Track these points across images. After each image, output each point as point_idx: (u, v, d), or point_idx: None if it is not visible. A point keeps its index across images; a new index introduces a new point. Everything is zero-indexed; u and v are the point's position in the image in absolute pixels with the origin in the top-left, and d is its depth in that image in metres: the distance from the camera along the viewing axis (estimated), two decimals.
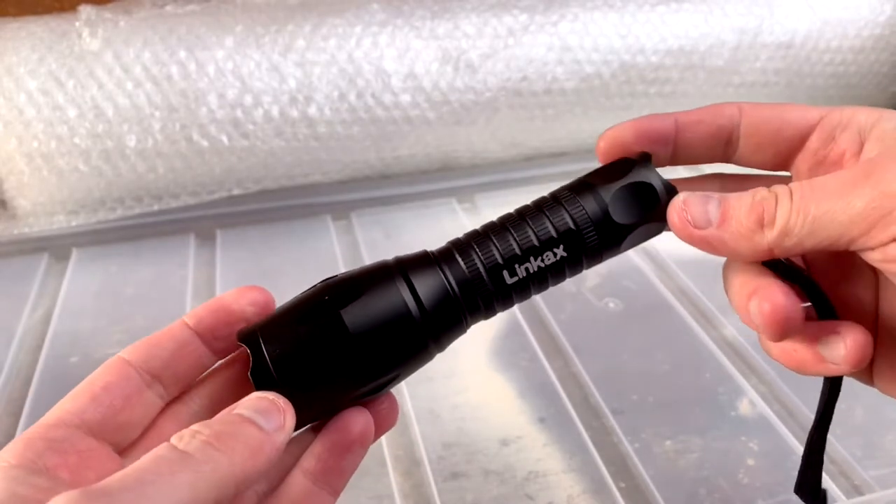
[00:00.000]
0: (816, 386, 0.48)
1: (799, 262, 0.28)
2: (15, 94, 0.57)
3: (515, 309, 0.55)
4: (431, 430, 0.46)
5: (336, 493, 0.27)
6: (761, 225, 0.24)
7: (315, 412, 0.27)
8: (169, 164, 0.61)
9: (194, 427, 0.22)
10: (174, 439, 0.21)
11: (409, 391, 0.48)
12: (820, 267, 0.28)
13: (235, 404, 0.24)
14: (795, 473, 0.43)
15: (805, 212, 0.23)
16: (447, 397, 0.48)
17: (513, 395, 0.49)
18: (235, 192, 0.64)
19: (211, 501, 0.21)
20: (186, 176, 0.62)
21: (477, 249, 0.27)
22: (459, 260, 0.27)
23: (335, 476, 0.27)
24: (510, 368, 0.51)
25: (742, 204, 0.25)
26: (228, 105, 0.60)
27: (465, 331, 0.28)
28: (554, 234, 0.27)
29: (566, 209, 0.27)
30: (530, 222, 0.27)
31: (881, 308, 0.27)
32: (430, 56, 0.64)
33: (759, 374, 0.50)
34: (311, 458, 0.27)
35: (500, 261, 0.27)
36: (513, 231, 0.27)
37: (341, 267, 0.60)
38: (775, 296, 0.24)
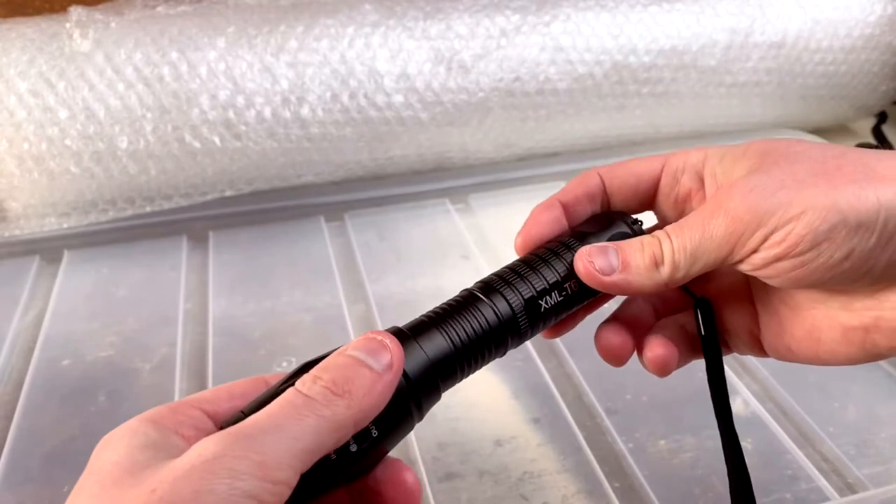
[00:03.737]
0: (810, 384, 0.49)
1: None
2: (5, 95, 0.57)
3: None
4: (425, 430, 0.46)
5: None
6: (656, 265, 0.30)
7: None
8: (161, 165, 0.61)
9: (314, 372, 0.25)
10: (299, 384, 0.24)
11: None
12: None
13: (348, 345, 0.26)
14: (790, 472, 0.43)
15: (683, 249, 0.29)
16: (441, 398, 0.48)
17: (507, 395, 0.49)
18: (228, 193, 0.64)
19: (332, 441, 0.24)
20: (178, 177, 0.62)
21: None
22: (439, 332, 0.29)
23: None
24: (504, 369, 0.51)
25: (635, 250, 0.30)
26: (220, 106, 0.60)
27: (439, 397, 0.29)
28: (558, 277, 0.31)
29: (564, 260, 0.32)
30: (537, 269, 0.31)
31: (756, 301, 0.34)
32: (423, 57, 0.64)
33: (752, 373, 0.50)
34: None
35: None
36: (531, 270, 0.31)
37: (334, 268, 0.60)
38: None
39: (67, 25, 0.60)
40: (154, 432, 0.24)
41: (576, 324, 0.34)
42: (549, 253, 0.32)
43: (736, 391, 0.48)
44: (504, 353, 0.31)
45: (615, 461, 0.44)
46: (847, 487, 0.43)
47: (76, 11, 0.60)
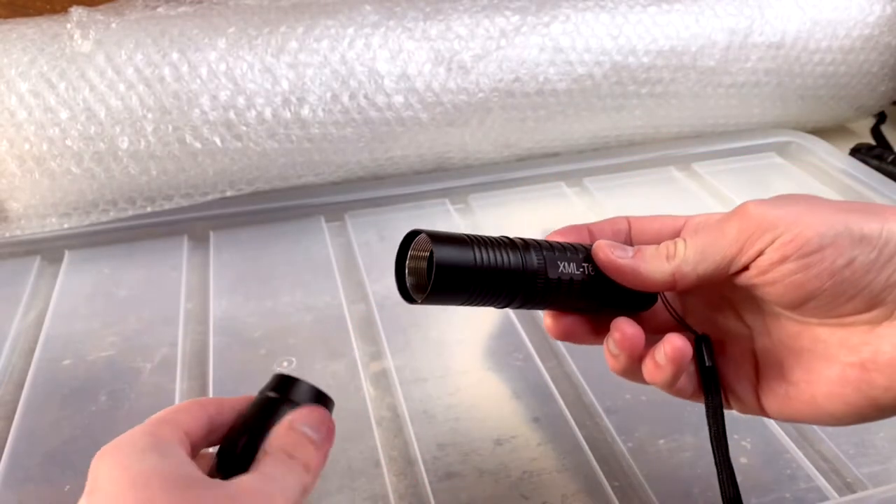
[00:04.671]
0: None
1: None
2: (6, 96, 0.57)
3: (509, 309, 0.55)
4: (425, 430, 0.46)
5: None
6: (666, 257, 0.32)
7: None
8: (161, 165, 0.61)
9: (283, 448, 0.30)
10: (283, 454, 0.29)
11: (402, 392, 0.48)
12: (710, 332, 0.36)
13: (295, 418, 0.31)
14: (789, 471, 0.43)
15: (695, 246, 0.32)
16: (441, 398, 0.48)
17: (507, 394, 0.49)
18: (228, 193, 0.64)
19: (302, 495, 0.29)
20: (179, 178, 0.62)
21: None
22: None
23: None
24: (504, 368, 0.51)
25: (651, 247, 0.33)
26: (221, 107, 0.60)
27: None
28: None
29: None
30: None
31: (756, 347, 0.35)
32: (423, 57, 0.64)
33: None
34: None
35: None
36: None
37: (335, 268, 0.60)
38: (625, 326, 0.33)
39: (68, 26, 0.60)
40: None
41: (585, 340, 0.36)
42: (574, 244, 0.34)
43: None
44: (509, 304, 0.32)
45: (615, 460, 0.44)
46: (846, 487, 0.43)
47: (77, 12, 0.61)
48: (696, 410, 0.47)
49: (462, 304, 0.31)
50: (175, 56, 0.60)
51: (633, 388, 0.49)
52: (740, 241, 0.30)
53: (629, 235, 0.36)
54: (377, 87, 0.63)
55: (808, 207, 0.30)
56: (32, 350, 0.52)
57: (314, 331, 0.54)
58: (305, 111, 0.62)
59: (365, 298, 0.57)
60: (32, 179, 0.59)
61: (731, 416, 0.47)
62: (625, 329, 0.33)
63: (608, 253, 0.33)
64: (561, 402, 0.48)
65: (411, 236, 0.32)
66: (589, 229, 0.36)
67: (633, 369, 0.34)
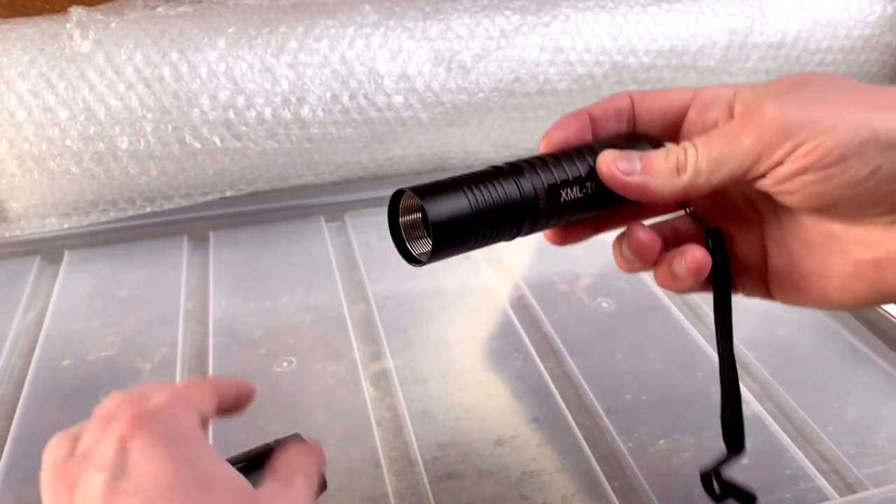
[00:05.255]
0: (810, 384, 0.49)
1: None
2: (5, 95, 0.57)
3: (508, 309, 0.55)
4: (425, 430, 0.46)
5: None
6: (678, 170, 0.30)
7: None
8: (161, 166, 0.61)
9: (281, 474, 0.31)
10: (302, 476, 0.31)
11: (402, 392, 0.48)
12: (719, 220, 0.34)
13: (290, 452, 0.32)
14: (789, 471, 0.43)
15: (709, 155, 0.29)
16: (441, 398, 0.48)
17: (507, 395, 0.49)
18: (228, 193, 0.64)
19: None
20: (179, 178, 0.62)
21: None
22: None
23: None
24: (504, 369, 0.51)
25: (660, 155, 0.31)
26: (221, 107, 0.60)
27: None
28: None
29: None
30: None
31: (766, 235, 0.33)
32: (423, 57, 0.64)
33: (752, 373, 0.50)
34: None
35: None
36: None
37: (335, 268, 0.60)
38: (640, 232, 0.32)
39: (68, 26, 0.60)
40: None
41: (584, 236, 0.35)
42: (574, 151, 0.32)
43: None
44: (516, 236, 0.31)
45: (615, 461, 0.44)
46: (846, 487, 0.43)
47: (76, 12, 0.60)
48: (697, 410, 0.47)
49: (468, 251, 0.30)
50: (175, 56, 0.60)
51: (633, 388, 0.49)
52: (757, 151, 0.28)
53: (632, 114, 0.34)
54: (377, 87, 0.63)
55: (831, 104, 0.28)
56: (32, 350, 0.52)
57: (314, 331, 0.54)
58: (305, 111, 0.62)
59: (365, 298, 0.57)
60: (32, 179, 0.59)
61: None
62: (641, 237, 0.32)
63: (613, 171, 0.31)
64: (561, 402, 0.48)
65: (398, 195, 0.30)
66: (590, 114, 0.33)
67: (644, 270, 0.33)
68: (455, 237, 0.29)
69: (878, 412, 0.47)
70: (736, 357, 0.51)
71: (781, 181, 0.28)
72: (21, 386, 0.49)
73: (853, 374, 0.50)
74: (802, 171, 0.28)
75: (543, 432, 0.46)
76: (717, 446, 0.45)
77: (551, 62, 0.67)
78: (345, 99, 0.63)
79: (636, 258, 0.32)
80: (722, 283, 0.32)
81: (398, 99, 0.64)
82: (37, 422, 0.47)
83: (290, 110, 0.62)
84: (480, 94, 0.66)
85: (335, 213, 0.67)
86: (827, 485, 0.42)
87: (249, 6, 0.64)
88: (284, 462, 0.31)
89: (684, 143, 0.30)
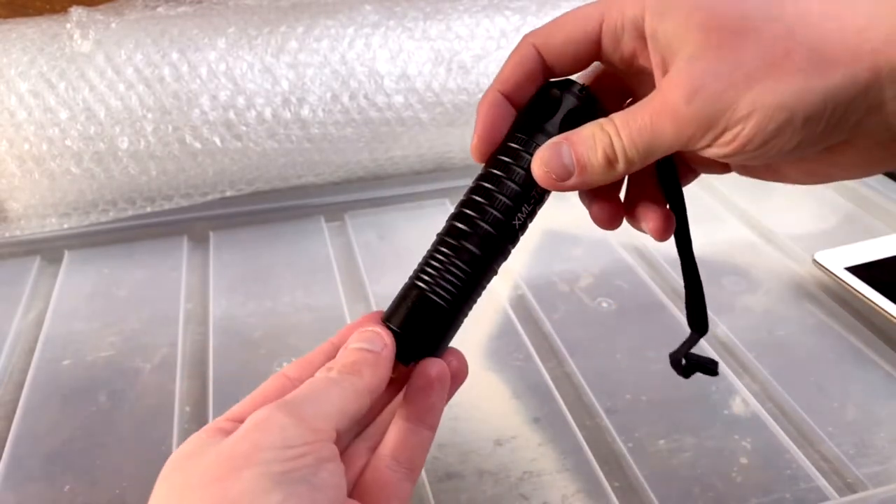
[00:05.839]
0: (810, 384, 0.49)
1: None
2: (6, 96, 0.57)
3: (509, 309, 0.55)
4: None
5: (431, 429, 0.32)
6: (610, 163, 0.30)
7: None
8: (161, 166, 0.61)
9: (329, 364, 0.31)
10: (322, 371, 0.30)
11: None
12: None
13: (349, 341, 0.31)
14: (789, 472, 0.43)
15: (634, 145, 0.29)
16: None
17: (507, 395, 0.49)
18: (228, 193, 0.64)
19: (357, 406, 0.29)
20: (179, 178, 0.62)
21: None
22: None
23: (426, 413, 0.32)
24: (504, 369, 0.51)
25: (588, 149, 0.30)
26: (221, 107, 0.60)
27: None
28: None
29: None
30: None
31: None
32: (423, 57, 0.64)
33: (752, 373, 0.50)
34: (404, 402, 0.32)
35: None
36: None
37: (335, 268, 0.60)
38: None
39: (68, 26, 0.60)
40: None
41: (613, 208, 0.35)
42: (505, 167, 0.32)
43: (735, 391, 0.48)
44: (501, 265, 0.33)
45: (615, 461, 0.44)
46: (846, 487, 0.43)
47: (77, 12, 0.61)
48: (697, 410, 0.47)
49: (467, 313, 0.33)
50: (175, 56, 0.60)
51: (633, 388, 0.49)
52: (680, 142, 0.29)
53: (544, 66, 0.32)
54: (377, 87, 0.63)
55: (741, 77, 0.27)
56: (32, 350, 0.52)
57: (314, 331, 0.54)
58: (305, 111, 0.62)
59: (365, 299, 0.57)
60: (32, 179, 0.59)
61: (731, 416, 0.47)
62: (595, 215, 0.34)
63: (550, 179, 0.31)
64: (561, 402, 0.48)
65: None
66: (503, 94, 0.33)
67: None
68: (445, 331, 0.33)
69: (878, 412, 0.47)
70: (735, 356, 0.52)
71: (714, 157, 0.29)
72: (21, 386, 0.49)
73: (853, 374, 0.50)
74: (729, 155, 0.28)
75: (543, 432, 0.46)
76: (716, 446, 0.45)
77: None
78: (345, 99, 0.63)
79: (602, 226, 0.35)
80: (680, 214, 0.34)
81: (398, 99, 0.64)
82: (37, 422, 0.47)
83: (290, 110, 0.62)
84: (480, 94, 0.66)
85: (335, 213, 0.67)
86: (827, 485, 0.42)
87: (249, 6, 0.64)
88: (344, 357, 0.31)
89: (607, 127, 0.30)
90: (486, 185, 0.32)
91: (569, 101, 0.32)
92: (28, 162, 0.59)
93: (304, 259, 0.62)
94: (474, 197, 0.32)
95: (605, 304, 0.57)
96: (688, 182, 0.36)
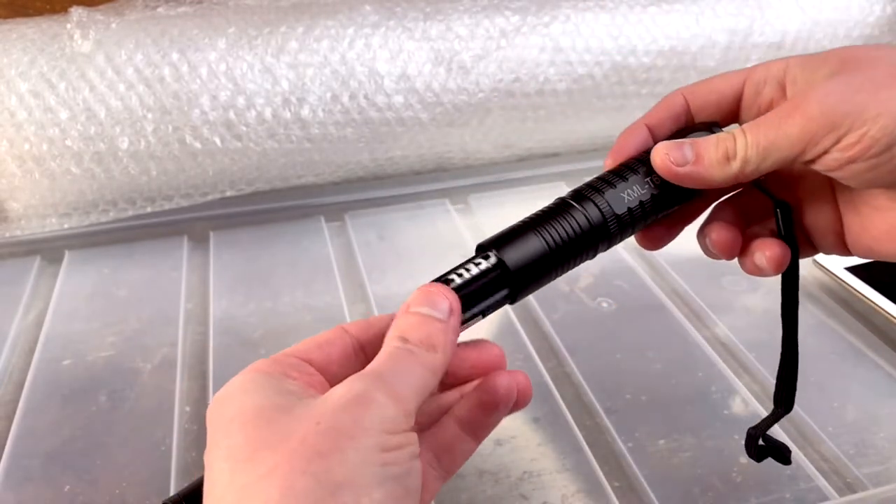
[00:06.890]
0: (810, 384, 0.49)
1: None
2: (6, 96, 0.57)
3: (509, 309, 0.55)
4: None
5: (478, 441, 0.32)
6: (727, 158, 0.31)
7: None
8: (161, 166, 0.61)
9: (403, 333, 0.29)
10: (396, 340, 0.28)
11: None
12: (789, 192, 0.36)
13: (409, 302, 0.30)
14: (789, 471, 0.43)
15: (756, 144, 0.30)
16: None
17: None
18: (228, 193, 0.64)
19: (433, 382, 0.28)
20: (179, 178, 0.62)
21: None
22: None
23: (480, 428, 0.32)
24: None
25: (710, 145, 0.32)
26: (221, 107, 0.60)
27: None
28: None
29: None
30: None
31: (836, 194, 0.35)
32: (423, 57, 0.64)
33: (752, 372, 0.50)
34: (463, 408, 0.32)
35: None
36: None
37: (335, 268, 0.60)
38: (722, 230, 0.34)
39: (68, 26, 0.60)
40: (273, 380, 0.28)
41: (673, 235, 0.36)
42: (633, 161, 0.34)
43: (736, 391, 0.48)
44: (594, 256, 0.33)
45: (615, 461, 0.44)
46: (846, 487, 0.43)
47: (77, 12, 0.61)
48: (697, 410, 0.47)
49: (550, 281, 0.33)
50: (175, 56, 0.60)
51: (633, 388, 0.49)
52: (803, 142, 0.29)
53: (688, 111, 0.35)
54: (377, 88, 0.63)
55: (878, 88, 0.29)
56: (32, 350, 0.52)
57: (314, 331, 0.53)
58: (305, 111, 0.62)
59: (365, 299, 0.57)
60: (32, 179, 0.59)
61: (731, 416, 0.47)
62: (715, 237, 0.34)
63: (667, 163, 0.32)
64: (561, 402, 0.48)
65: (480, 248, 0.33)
66: (647, 125, 0.35)
67: (730, 259, 0.35)
68: (535, 278, 0.32)
69: (878, 412, 0.47)
70: (735, 356, 0.52)
71: (830, 168, 0.30)
72: (21, 386, 0.49)
73: (853, 374, 0.50)
74: (849, 160, 0.29)
75: (544, 432, 0.46)
76: (716, 445, 0.45)
77: (551, 62, 0.67)
78: (345, 99, 0.63)
79: (719, 254, 0.35)
80: (790, 253, 0.34)
81: (398, 99, 0.64)
82: (37, 422, 0.47)
83: (290, 110, 0.62)
84: (480, 94, 0.66)
85: (335, 213, 0.67)
86: (827, 485, 0.42)
87: (249, 6, 0.64)
88: (397, 332, 0.29)
89: (734, 131, 0.32)
90: (611, 173, 0.34)
91: (701, 132, 0.35)
92: (28, 162, 0.59)
93: (305, 259, 0.62)
94: (599, 177, 0.34)
95: (605, 305, 0.57)
96: (804, 256, 0.36)
